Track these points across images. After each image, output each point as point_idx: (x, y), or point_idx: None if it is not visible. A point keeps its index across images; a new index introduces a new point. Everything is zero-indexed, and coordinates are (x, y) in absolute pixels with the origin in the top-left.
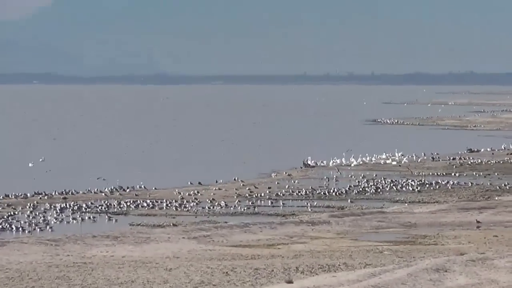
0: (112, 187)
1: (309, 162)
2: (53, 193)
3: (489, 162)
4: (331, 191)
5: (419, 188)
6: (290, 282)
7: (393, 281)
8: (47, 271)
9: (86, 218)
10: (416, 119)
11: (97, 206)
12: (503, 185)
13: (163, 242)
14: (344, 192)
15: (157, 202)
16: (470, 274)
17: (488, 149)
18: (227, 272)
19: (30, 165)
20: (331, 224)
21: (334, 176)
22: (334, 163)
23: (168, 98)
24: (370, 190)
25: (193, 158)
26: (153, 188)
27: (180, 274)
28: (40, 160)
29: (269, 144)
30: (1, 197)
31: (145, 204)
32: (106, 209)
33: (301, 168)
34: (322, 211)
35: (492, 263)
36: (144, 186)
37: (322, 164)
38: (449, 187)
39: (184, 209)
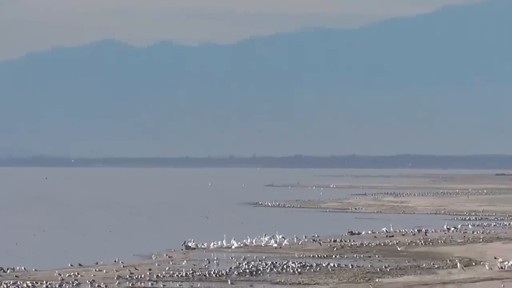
0: None
1: (189, 244)
2: None
3: (369, 245)
4: (212, 272)
5: (299, 270)
6: None
7: None
8: None
9: None
10: (297, 202)
11: None
12: (383, 267)
13: None
14: (224, 273)
15: (37, 283)
16: None
17: (369, 232)
18: None
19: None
20: None
21: (215, 258)
22: (214, 245)
23: None
24: (251, 271)
25: (75, 240)
26: (33, 270)
27: None
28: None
29: (150, 226)
30: None
31: (25, 285)
32: None
33: (182, 250)
34: None
35: None
36: (24, 268)
37: (203, 246)
38: (330, 269)
39: None
